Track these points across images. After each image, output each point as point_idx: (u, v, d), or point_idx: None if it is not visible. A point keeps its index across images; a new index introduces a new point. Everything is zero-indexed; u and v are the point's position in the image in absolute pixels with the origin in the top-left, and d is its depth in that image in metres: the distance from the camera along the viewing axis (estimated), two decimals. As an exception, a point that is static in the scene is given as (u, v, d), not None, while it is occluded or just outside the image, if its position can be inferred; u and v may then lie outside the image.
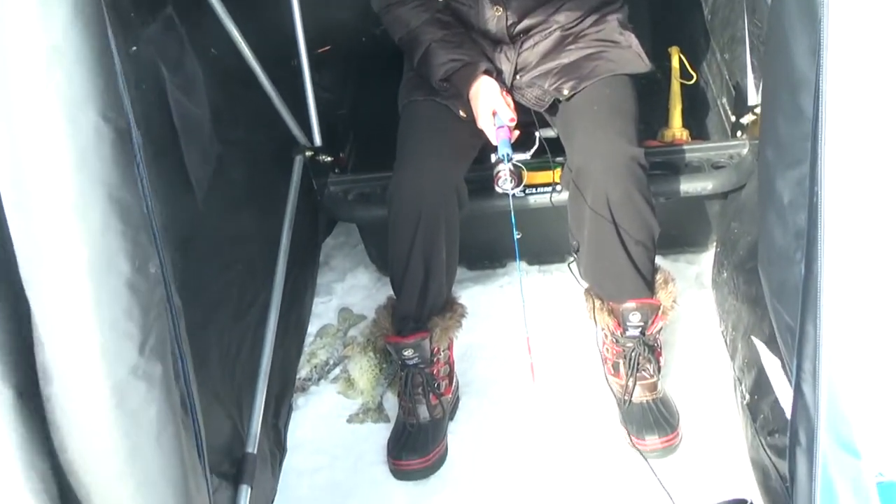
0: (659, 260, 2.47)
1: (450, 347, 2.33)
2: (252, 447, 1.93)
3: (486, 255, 2.72)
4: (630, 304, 2.16)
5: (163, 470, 1.17)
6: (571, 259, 2.36)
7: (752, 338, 1.89)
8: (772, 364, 1.55)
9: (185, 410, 1.29)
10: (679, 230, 2.63)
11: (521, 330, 2.51)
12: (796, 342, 1.12)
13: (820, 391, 1.11)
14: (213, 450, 1.68)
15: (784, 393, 1.27)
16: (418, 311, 2.23)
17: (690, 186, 2.39)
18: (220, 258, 2.07)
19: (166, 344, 1.18)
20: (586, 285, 2.29)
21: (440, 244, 2.18)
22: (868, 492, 1.59)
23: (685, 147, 2.55)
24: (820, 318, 1.09)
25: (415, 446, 2.22)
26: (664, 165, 2.45)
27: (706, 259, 2.63)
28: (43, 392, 1.09)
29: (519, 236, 1.99)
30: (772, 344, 1.53)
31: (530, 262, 2.73)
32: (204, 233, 1.95)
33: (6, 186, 1.02)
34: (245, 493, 1.83)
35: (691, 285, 2.58)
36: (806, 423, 1.16)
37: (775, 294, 1.33)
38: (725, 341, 2.27)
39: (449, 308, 2.30)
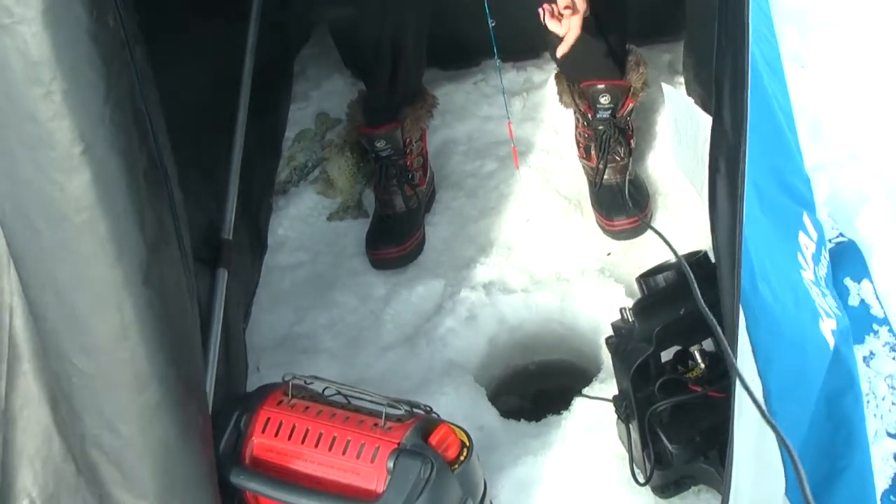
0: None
1: (422, 138, 2.35)
2: (227, 234, 1.98)
3: (459, 53, 2.68)
4: (599, 86, 2.16)
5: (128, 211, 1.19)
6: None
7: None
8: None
9: (155, 168, 1.27)
10: (654, 17, 2.59)
11: (496, 124, 2.54)
12: (713, 64, 1.12)
13: (748, 115, 1.11)
14: (191, 238, 1.72)
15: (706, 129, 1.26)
16: (388, 100, 2.24)
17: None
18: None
19: (132, 97, 1.19)
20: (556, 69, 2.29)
21: (409, 30, 2.17)
22: (813, 237, 1.61)
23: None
24: (748, 35, 1.08)
25: (391, 236, 2.27)
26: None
27: (681, 47, 2.60)
28: None
29: (493, 24, 1.95)
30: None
31: (504, 59, 2.68)
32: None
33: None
34: (222, 277, 1.89)
35: (664, 72, 2.56)
36: (725, 148, 1.15)
37: (697, 17, 1.30)
38: (696, 121, 2.28)
39: (419, 98, 2.31)
